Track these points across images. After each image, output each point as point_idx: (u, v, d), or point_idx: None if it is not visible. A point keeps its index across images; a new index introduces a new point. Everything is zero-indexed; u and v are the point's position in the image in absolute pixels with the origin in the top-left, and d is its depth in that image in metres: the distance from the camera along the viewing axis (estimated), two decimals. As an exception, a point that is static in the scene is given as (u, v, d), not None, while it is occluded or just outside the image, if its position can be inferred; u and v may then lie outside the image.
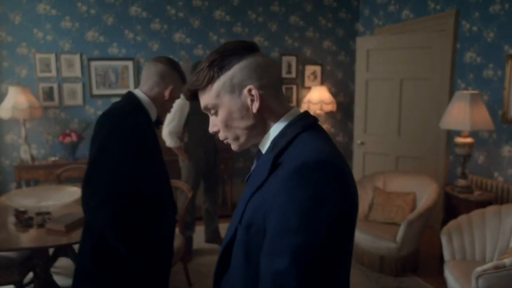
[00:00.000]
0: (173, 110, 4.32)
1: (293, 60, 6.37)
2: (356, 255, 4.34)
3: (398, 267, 4.06)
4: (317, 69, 6.53)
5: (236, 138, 1.20)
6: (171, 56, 5.73)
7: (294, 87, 6.45)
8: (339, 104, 6.58)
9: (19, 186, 5.25)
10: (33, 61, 5.47)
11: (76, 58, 5.57)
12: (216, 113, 1.19)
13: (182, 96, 4.36)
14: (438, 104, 5.09)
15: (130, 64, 5.72)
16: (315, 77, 6.52)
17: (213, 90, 1.16)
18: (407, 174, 4.78)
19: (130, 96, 2.22)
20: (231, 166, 5.86)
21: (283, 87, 6.41)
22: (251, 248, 1.07)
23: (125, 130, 2.03)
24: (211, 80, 1.15)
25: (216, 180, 4.74)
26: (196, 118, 4.34)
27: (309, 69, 6.49)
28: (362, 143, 5.91)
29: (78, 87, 5.62)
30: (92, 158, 2.00)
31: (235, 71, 1.14)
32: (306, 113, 1.20)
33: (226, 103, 1.16)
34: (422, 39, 5.25)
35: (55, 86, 5.55)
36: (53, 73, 5.54)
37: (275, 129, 1.17)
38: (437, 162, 5.17)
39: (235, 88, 1.15)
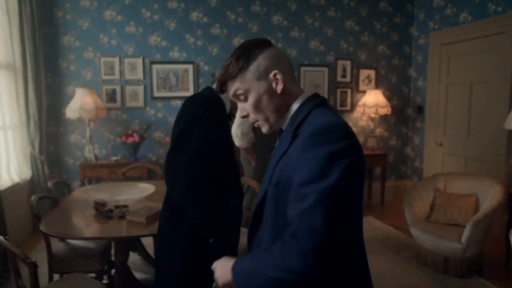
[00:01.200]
0: None
1: (348, 64, 6.43)
2: (418, 256, 4.34)
3: (463, 268, 4.03)
4: (372, 73, 6.56)
5: (266, 119, 1.39)
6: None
7: (349, 91, 6.49)
8: (393, 108, 6.59)
9: (82, 184, 5.47)
10: (98, 64, 5.71)
11: (139, 61, 5.78)
12: (245, 99, 1.38)
13: None
14: (499, 106, 5.07)
15: (190, 67, 5.88)
16: (369, 81, 6.55)
17: (243, 78, 1.36)
18: (467, 176, 4.74)
19: (210, 88, 2.38)
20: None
21: (339, 90, 6.47)
22: (279, 201, 1.27)
23: (209, 113, 2.22)
24: (240, 70, 1.35)
25: None
26: None
27: (364, 73, 6.54)
28: (441, 144, 6.17)
29: (140, 89, 5.83)
30: (177, 134, 2.21)
31: (260, 60, 1.35)
32: (316, 94, 1.40)
33: (255, 88, 1.36)
34: (487, 42, 5.27)
35: (118, 88, 5.77)
36: (117, 75, 5.77)
37: (293, 108, 1.37)
38: (498, 164, 5.14)
39: (261, 74, 1.35)
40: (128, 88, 5.81)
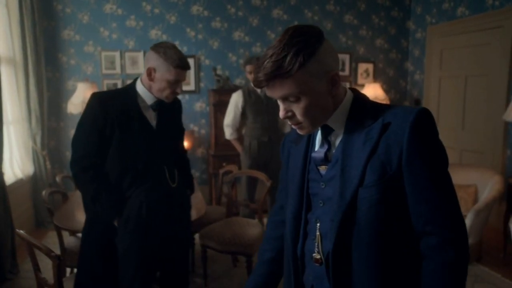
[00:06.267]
0: (230, 104, 4.55)
1: (346, 58, 6.47)
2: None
3: (464, 256, 4.11)
4: (370, 66, 6.62)
5: (313, 122, 1.21)
6: (230, 54, 5.95)
7: (348, 85, 6.54)
8: (390, 101, 6.66)
9: (85, 178, 5.43)
10: (99, 58, 5.70)
11: (140, 55, 5.77)
12: (297, 100, 1.17)
13: (238, 92, 4.52)
14: (496, 99, 5.17)
15: (191, 61, 5.84)
16: (368, 74, 6.61)
17: (301, 76, 1.12)
18: (466, 167, 4.83)
19: (133, 81, 2.51)
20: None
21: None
22: (390, 198, 1.17)
23: (94, 106, 2.43)
24: (300, 67, 1.11)
25: (274, 173, 4.72)
26: (251, 113, 4.50)
27: (362, 66, 6.59)
28: None
29: (141, 83, 5.80)
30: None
31: (321, 57, 1.14)
32: (352, 88, 1.33)
33: (312, 90, 1.15)
34: (484, 36, 5.34)
35: (119, 82, 5.76)
36: (117, 70, 5.76)
37: (346, 105, 1.25)
38: (495, 155, 5.26)
39: (322, 74, 1.15)
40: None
